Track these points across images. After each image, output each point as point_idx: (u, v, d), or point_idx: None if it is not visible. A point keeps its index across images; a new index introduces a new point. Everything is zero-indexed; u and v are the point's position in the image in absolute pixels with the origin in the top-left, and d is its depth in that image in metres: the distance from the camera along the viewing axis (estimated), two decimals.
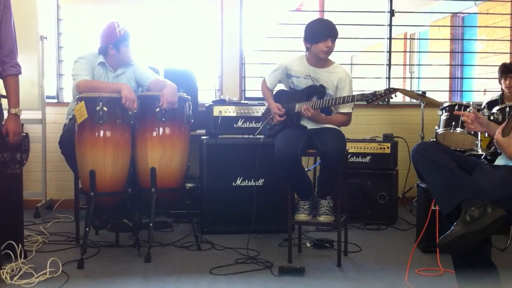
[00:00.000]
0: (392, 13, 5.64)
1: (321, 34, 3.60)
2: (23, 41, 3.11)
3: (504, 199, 2.35)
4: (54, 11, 5.38)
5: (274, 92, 3.94)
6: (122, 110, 3.52)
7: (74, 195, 4.05)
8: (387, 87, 5.52)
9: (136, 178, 3.67)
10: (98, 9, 5.58)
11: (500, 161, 2.61)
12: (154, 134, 3.59)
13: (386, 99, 3.48)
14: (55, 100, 5.43)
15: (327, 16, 5.70)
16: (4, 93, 3.22)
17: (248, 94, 5.63)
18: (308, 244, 3.96)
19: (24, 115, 3.36)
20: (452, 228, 2.33)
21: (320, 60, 3.68)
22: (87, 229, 3.39)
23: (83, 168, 3.48)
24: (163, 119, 3.58)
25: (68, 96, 5.26)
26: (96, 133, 3.44)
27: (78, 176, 3.69)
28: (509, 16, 6.28)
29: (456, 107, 4.53)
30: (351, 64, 9.05)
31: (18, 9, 3.09)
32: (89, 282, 3.11)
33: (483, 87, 6.95)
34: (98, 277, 3.19)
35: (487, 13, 7.14)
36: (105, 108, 3.44)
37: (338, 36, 3.65)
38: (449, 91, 6.92)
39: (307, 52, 3.72)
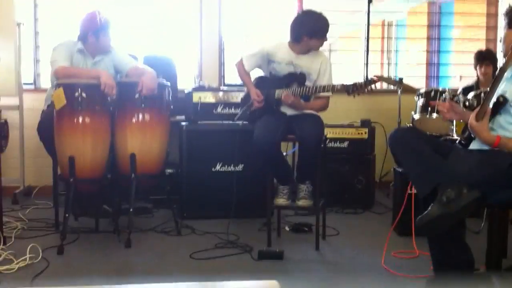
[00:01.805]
0: (370, 0, 5.66)
1: (320, 32, 3.68)
2: None
3: (479, 181, 2.42)
4: None
5: (254, 78, 3.97)
6: (101, 96, 3.51)
7: (52, 182, 4.04)
8: (366, 77, 5.62)
9: (116, 164, 3.67)
10: None
11: (474, 145, 2.68)
12: (134, 120, 3.60)
13: (366, 90, 3.54)
14: (33, 87, 5.37)
15: (306, 3, 5.72)
16: None
17: (227, 81, 5.64)
18: (287, 228, 4.01)
19: (2, 101, 3.34)
20: (428, 209, 2.40)
21: (308, 50, 3.74)
22: (67, 215, 3.39)
23: (62, 154, 3.48)
24: (143, 105, 3.59)
25: (45, 82, 5.21)
26: (75, 120, 3.44)
27: (57, 162, 3.68)
28: (485, 3, 6.37)
29: (432, 93, 4.59)
30: (330, 50, 9.09)
31: None
32: (69, 268, 3.13)
33: (459, 73, 7.05)
34: (78, 263, 3.21)
35: (464, 1, 7.22)
36: (83, 95, 3.43)
37: None
38: (425, 77, 6.98)
39: (291, 40, 3.76)
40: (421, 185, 2.54)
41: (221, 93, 4.44)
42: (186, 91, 4.57)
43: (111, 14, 3.99)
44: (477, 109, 2.60)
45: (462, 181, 2.40)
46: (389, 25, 9.52)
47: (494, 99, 2.59)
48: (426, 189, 2.48)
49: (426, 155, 2.56)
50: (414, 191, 3.37)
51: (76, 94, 3.42)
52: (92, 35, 3.85)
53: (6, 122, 4.11)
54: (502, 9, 6.11)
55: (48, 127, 3.58)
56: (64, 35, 4.01)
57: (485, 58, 5.01)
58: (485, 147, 2.59)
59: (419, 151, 2.58)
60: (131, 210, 3.52)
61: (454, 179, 2.43)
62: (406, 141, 2.65)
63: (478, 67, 5.06)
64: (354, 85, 3.53)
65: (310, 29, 3.66)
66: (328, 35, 3.73)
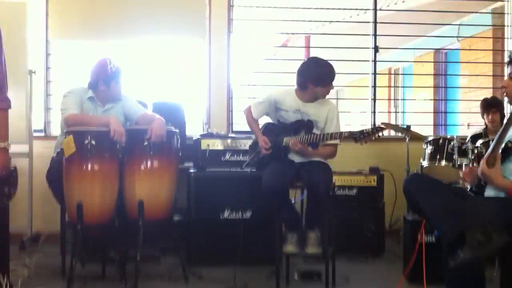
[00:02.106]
0: (376, 49, 5.75)
1: (326, 79, 3.72)
2: (12, 75, 3.14)
3: (504, 226, 2.40)
4: (43, 45, 5.41)
5: (261, 124, 4.00)
6: (110, 143, 3.55)
7: (60, 228, 4.02)
8: (373, 124, 5.63)
9: (124, 210, 3.67)
10: (87, 44, 5.63)
11: (490, 192, 2.66)
12: (142, 167, 3.61)
13: (373, 137, 3.54)
14: (43, 134, 5.43)
15: (312, 52, 5.81)
16: None
17: (235, 128, 5.67)
18: (296, 277, 3.95)
19: (11, 148, 3.36)
20: (459, 253, 2.39)
21: (315, 98, 3.77)
22: (73, 262, 3.37)
23: (70, 200, 3.48)
24: (151, 152, 3.61)
25: (55, 129, 5.27)
26: (84, 166, 3.46)
27: (65, 209, 3.68)
28: (491, 52, 6.44)
29: (441, 141, 4.60)
30: (337, 98, 9.18)
31: (8, 43, 3.12)
32: None
33: (466, 121, 7.07)
34: None
35: (469, 49, 7.31)
36: (93, 142, 3.46)
37: None
38: (433, 124, 7.03)
39: (298, 88, 3.80)
40: (447, 230, 2.51)
41: (229, 140, 4.47)
42: (194, 138, 4.59)
43: (121, 62, 4.06)
44: (487, 155, 2.59)
45: (488, 225, 2.39)
46: (396, 73, 9.64)
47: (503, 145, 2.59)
48: (453, 233, 2.46)
49: (448, 199, 2.54)
50: (425, 239, 3.34)
51: (86, 141, 3.45)
52: (103, 83, 3.90)
53: (15, 169, 4.13)
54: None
55: (57, 173, 3.60)
56: (75, 84, 4.06)
57: (491, 106, 5.03)
58: (502, 194, 2.56)
59: (440, 194, 2.57)
60: (138, 257, 3.48)
61: (480, 223, 2.41)
62: (426, 185, 2.64)
63: (485, 115, 5.07)
64: (362, 132, 3.53)
65: (315, 77, 3.70)
66: (334, 83, 3.78)
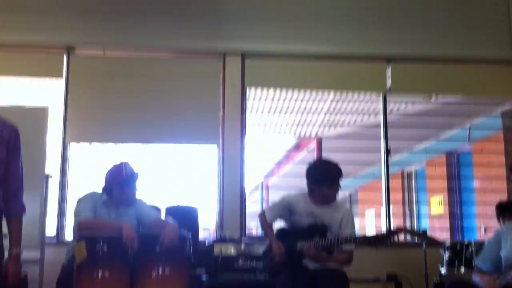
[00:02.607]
0: (388, 152, 5.77)
1: (328, 179, 3.70)
2: (28, 179, 3.17)
3: None
4: (59, 149, 5.46)
5: (275, 229, 3.95)
6: (122, 249, 3.50)
7: None
8: (388, 228, 5.55)
9: None
10: (105, 148, 5.72)
11: None
12: (154, 273, 3.54)
13: (389, 241, 3.49)
14: (55, 240, 5.35)
15: (325, 154, 5.86)
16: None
17: (248, 233, 5.59)
18: None
19: (23, 255, 3.33)
20: None
21: (326, 201, 3.74)
22: None
23: None
24: (163, 258, 3.55)
25: (67, 235, 5.23)
26: (95, 274, 3.40)
27: None
28: (503, 154, 6.46)
29: (458, 247, 4.52)
30: (350, 201, 9.13)
31: (27, 147, 3.16)
32: None
33: (483, 225, 6.95)
34: None
35: (482, 152, 7.34)
36: (105, 248, 3.42)
37: None
38: (449, 228, 6.92)
39: (311, 191, 3.79)
40: None
41: (242, 246, 4.40)
42: (207, 243, 4.54)
43: (137, 166, 4.09)
44: None
45: None
46: (409, 177, 9.63)
47: None
48: None
49: None
50: None
51: (97, 247, 3.41)
52: (117, 187, 3.91)
53: (26, 277, 4.06)
54: None
55: (68, 281, 3.53)
56: (92, 187, 4.08)
57: (507, 209, 4.96)
58: None
59: None
60: None
61: None
62: None
63: (501, 219, 5.00)
64: (376, 237, 3.48)
65: (319, 177, 3.71)
66: (340, 182, 3.74)
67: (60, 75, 5.53)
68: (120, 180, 3.91)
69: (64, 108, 5.50)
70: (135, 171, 3.97)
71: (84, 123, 5.57)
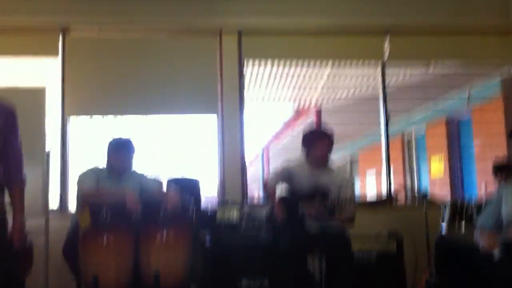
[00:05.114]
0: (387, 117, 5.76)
1: (312, 137, 3.85)
2: (28, 158, 3.20)
3: None
4: (59, 123, 5.49)
5: (277, 198, 3.99)
6: (126, 215, 3.55)
7: None
8: (389, 190, 5.58)
9: (139, 282, 3.61)
10: (105, 122, 5.73)
11: None
12: (158, 238, 3.59)
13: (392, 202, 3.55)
14: (58, 211, 5.42)
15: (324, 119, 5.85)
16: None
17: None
18: None
19: (28, 223, 3.37)
20: None
21: (321, 163, 3.79)
22: None
23: (86, 274, 3.46)
24: (167, 223, 3.59)
25: (71, 206, 5.27)
26: (99, 239, 3.46)
27: (81, 282, 3.64)
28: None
29: (458, 205, 4.57)
30: (350, 161, 9.15)
31: (26, 127, 3.18)
32: None
33: (483, 180, 7.00)
34: None
35: (481, 112, 7.34)
36: (108, 214, 3.47)
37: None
38: (449, 184, 6.95)
39: (306, 156, 3.85)
40: None
41: (244, 209, 4.45)
42: (209, 208, 4.58)
43: (138, 138, 4.13)
44: None
45: None
46: (409, 140, 9.64)
47: None
48: None
49: None
50: None
51: (101, 214, 3.46)
52: (111, 153, 4.00)
53: (31, 245, 4.10)
54: None
55: (73, 247, 3.59)
56: (92, 159, 4.14)
57: (503, 169, 5.01)
58: None
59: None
60: None
61: None
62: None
63: (498, 175, 5.05)
64: (377, 200, 3.56)
65: (305, 139, 3.79)
66: (327, 139, 3.80)
67: (56, 54, 5.51)
68: (113, 145, 4.01)
69: (61, 83, 5.50)
70: (132, 142, 4.03)
71: (83, 95, 5.56)
